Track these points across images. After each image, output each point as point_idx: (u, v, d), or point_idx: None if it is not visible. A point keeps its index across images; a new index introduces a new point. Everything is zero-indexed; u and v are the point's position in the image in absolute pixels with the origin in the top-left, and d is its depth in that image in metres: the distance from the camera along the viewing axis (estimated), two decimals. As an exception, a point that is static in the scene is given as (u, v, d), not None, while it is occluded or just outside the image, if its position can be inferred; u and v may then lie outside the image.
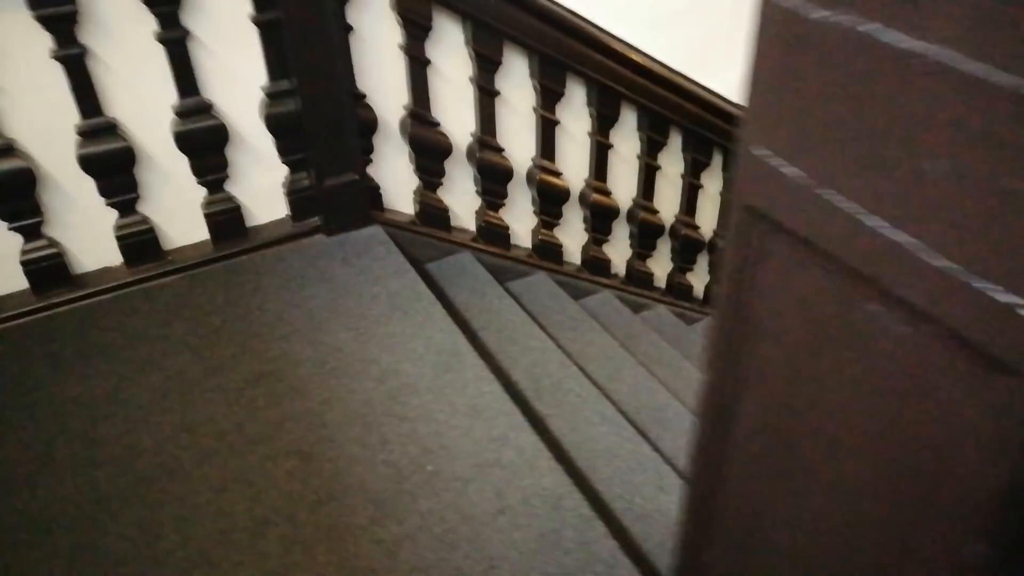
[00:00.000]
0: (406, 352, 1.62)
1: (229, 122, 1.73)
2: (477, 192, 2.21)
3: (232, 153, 1.78)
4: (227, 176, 1.79)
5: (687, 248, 2.77)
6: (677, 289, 2.83)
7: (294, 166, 1.86)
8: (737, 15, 2.53)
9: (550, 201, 2.34)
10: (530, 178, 2.29)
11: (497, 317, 1.96)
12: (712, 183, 2.74)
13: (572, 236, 2.48)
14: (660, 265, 2.77)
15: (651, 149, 2.47)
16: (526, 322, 1.96)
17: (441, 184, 2.13)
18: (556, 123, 2.23)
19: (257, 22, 1.66)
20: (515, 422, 1.45)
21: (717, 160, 2.67)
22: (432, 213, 2.13)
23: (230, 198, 1.81)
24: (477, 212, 2.24)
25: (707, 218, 2.82)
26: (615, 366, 2.04)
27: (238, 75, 1.71)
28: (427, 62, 1.94)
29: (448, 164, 2.11)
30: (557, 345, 1.89)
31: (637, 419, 1.82)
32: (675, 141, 2.55)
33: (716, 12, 2.49)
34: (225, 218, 1.81)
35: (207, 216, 1.79)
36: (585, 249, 2.53)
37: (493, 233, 2.26)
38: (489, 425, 1.45)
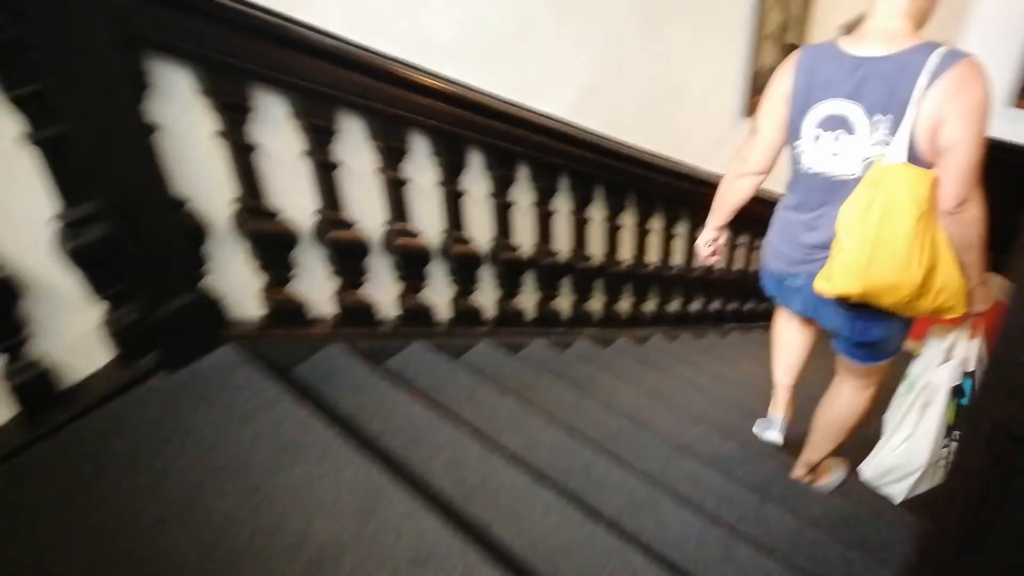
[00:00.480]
0: (314, 505, 1.36)
1: (15, 270, 1.35)
2: (333, 274, 1.96)
3: (29, 306, 1.39)
4: (27, 336, 1.40)
5: (551, 275, 2.70)
6: (548, 318, 2.76)
7: (115, 300, 1.50)
8: (561, 37, 2.47)
9: (412, 264, 2.14)
10: (387, 244, 2.07)
11: (392, 416, 1.74)
12: (564, 205, 2.68)
13: (440, 293, 2.30)
14: (529, 297, 2.68)
15: (501, 186, 2.35)
16: (424, 412, 1.75)
17: (291, 277, 1.85)
18: (404, 182, 2.03)
19: (37, 141, 1.30)
20: (470, 561, 1.26)
21: (565, 183, 2.61)
22: (286, 311, 1.85)
23: (34, 363, 1.42)
24: (336, 295, 1.99)
25: (562, 241, 2.76)
26: (526, 431, 1.90)
27: (13, 212, 1.33)
28: (252, 147, 1.66)
29: (295, 251, 1.84)
30: (465, 429, 1.71)
31: (570, 486, 1.70)
32: (524, 173, 2.44)
33: (541, 36, 2.40)
34: (35, 387, 1.41)
35: (12, 390, 1.39)
36: (456, 302, 2.36)
37: (358, 314, 2.02)
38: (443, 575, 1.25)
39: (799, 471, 2.12)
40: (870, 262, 1.51)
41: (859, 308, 1.65)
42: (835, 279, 1.57)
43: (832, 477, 2.18)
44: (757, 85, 3.48)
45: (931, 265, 1.51)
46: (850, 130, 1.56)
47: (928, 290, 1.54)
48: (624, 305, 3.20)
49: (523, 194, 2.48)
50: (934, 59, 1.43)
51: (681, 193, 3.10)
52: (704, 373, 3.09)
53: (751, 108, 3.58)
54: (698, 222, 3.35)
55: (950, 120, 1.43)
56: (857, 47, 1.55)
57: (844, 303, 1.67)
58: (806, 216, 1.72)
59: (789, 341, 2.23)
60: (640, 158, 2.80)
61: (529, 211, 2.54)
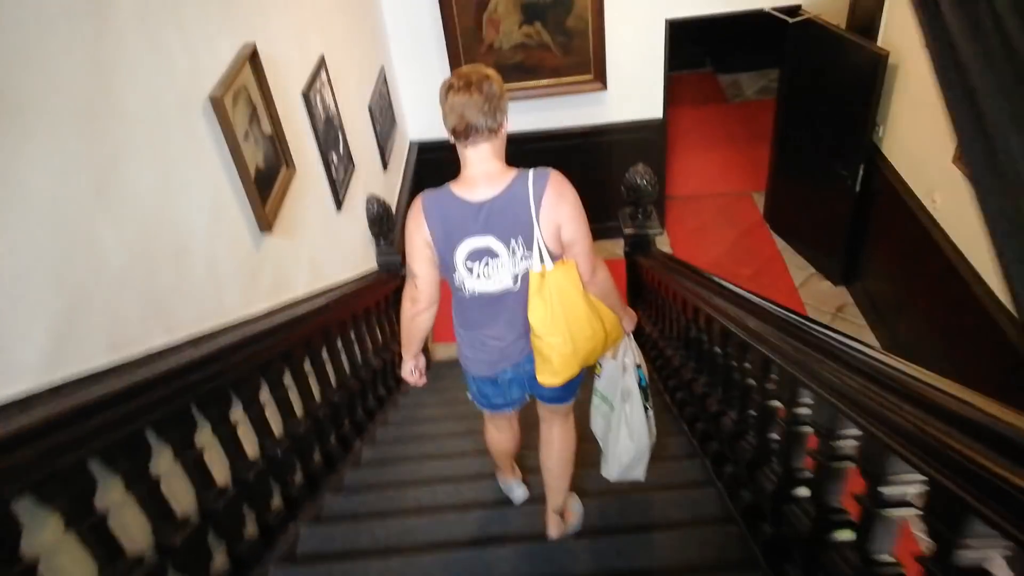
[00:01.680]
0: None
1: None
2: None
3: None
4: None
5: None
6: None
7: None
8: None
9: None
10: None
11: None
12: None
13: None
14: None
15: None
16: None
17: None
18: None
19: None
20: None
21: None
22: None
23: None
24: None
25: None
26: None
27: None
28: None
29: None
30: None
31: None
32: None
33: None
34: None
35: None
36: None
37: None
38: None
39: (554, 527, 2.39)
40: (575, 347, 1.93)
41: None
42: (560, 371, 1.96)
43: (576, 509, 2.48)
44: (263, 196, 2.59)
45: (601, 323, 1.98)
46: (494, 256, 1.86)
47: (607, 338, 2.04)
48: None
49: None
50: (531, 184, 1.80)
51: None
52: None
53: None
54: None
55: (565, 223, 1.83)
56: (471, 193, 1.84)
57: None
58: (484, 328, 2.03)
59: (505, 441, 2.49)
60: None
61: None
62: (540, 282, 1.86)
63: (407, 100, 5.46)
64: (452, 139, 1.87)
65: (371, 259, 4.17)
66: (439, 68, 5.27)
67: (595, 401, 2.33)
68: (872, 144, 4.61)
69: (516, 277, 1.89)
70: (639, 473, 2.31)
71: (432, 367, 3.46)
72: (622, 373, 2.22)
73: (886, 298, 4.84)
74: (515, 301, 1.93)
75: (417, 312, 2.05)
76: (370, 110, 4.48)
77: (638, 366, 2.24)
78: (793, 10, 5.00)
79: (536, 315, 1.89)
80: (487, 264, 1.88)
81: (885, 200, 4.64)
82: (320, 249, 3.38)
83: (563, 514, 2.40)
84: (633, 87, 5.33)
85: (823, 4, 4.91)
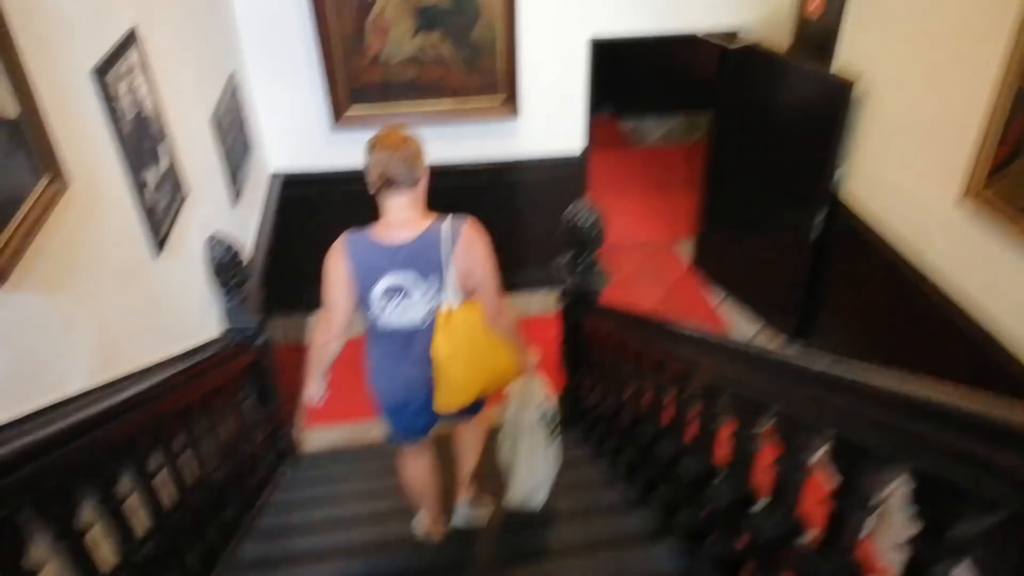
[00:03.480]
0: None
1: None
2: None
3: None
4: None
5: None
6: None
7: None
8: None
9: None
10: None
11: None
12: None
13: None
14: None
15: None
16: None
17: None
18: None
19: None
20: None
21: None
22: None
23: None
24: None
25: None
26: None
27: None
28: None
29: None
30: None
31: None
32: None
33: None
34: None
35: None
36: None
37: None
38: None
39: (463, 494, 2.73)
40: (472, 379, 2.19)
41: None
42: (455, 401, 2.21)
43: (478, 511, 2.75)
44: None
45: (501, 359, 2.24)
46: (408, 295, 2.04)
47: (506, 373, 2.30)
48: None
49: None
50: (446, 230, 2.01)
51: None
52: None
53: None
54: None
55: (475, 267, 2.06)
56: (389, 238, 2.01)
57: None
58: (396, 359, 2.19)
59: (422, 473, 2.60)
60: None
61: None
62: (447, 319, 2.07)
63: (269, 121, 4.29)
64: (373, 191, 2.01)
65: (212, 323, 2.94)
66: (309, 83, 4.17)
67: (500, 434, 2.52)
68: (830, 189, 3.96)
69: (427, 314, 2.08)
70: (539, 501, 2.46)
71: (302, 462, 3.39)
72: (525, 406, 2.41)
73: (850, 356, 4.13)
74: (425, 336, 2.11)
75: (329, 340, 2.19)
76: (215, 124, 3.29)
77: (543, 400, 2.43)
78: (728, 37, 4.36)
79: (439, 349, 2.08)
80: (401, 303, 2.05)
81: (847, 250, 3.98)
82: (120, 312, 2.15)
83: (470, 498, 2.72)
84: (550, 116, 4.46)
85: (764, 28, 4.29)
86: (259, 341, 2.96)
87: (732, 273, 5.03)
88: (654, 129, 7.59)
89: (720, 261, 5.14)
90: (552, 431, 2.42)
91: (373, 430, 4.05)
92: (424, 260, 1.99)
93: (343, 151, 4.40)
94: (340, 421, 4.12)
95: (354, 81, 4.16)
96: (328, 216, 4.55)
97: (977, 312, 3.04)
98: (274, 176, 4.43)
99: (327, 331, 2.17)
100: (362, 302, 2.08)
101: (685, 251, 5.65)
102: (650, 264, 5.57)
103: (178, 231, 2.65)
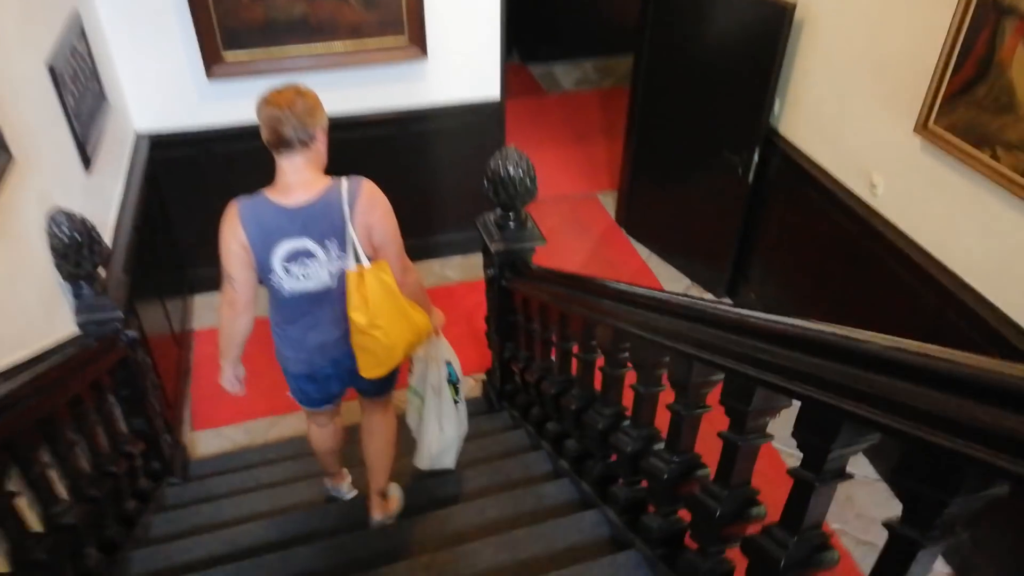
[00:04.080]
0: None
1: None
2: None
3: None
4: None
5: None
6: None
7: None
8: None
9: None
10: None
11: None
12: None
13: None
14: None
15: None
16: None
17: None
18: None
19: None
20: None
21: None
22: None
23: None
24: None
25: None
26: None
27: None
28: None
29: None
30: None
31: None
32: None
33: None
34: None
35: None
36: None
37: None
38: None
39: (377, 509, 2.53)
40: (395, 340, 2.07)
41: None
42: (383, 362, 2.11)
43: (397, 498, 2.64)
44: None
45: (415, 319, 2.14)
46: (311, 256, 1.97)
47: (422, 333, 2.21)
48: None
49: None
50: (345, 190, 1.94)
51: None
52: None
53: None
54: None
55: (377, 226, 2.00)
56: (287, 199, 1.93)
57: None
58: (303, 326, 2.11)
59: (327, 437, 2.53)
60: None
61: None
62: (359, 280, 1.98)
63: (129, 71, 3.62)
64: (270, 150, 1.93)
65: (61, 320, 2.38)
66: (177, 24, 3.52)
67: (408, 395, 2.53)
68: (767, 124, 3.71)
69: (333, 276, 2.01)
70: (449, 461, 2.57)
71: (191, 469, 3.08)
72: (432, 369, 2.43)
73: (787, 310, 3.97)
74: (335, 299, 2.04)
75: (236, 315, 2.07)
76: (52, 72, 2.66)
77: (448, 363, 2.46)
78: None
79: (357, 311, 1.99)
80: (305, 264, 1.98)
81: (784, 192, 3.76)
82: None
83: (385, 498, 2.56)
84: (463, 57, 3.98)
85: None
86: (127, 336, 2.43)
87: (660, 229, 4.76)
88: (565, 75, 7.20)
89: (646, 217, 4.86)
90: (457, 391, 2.48)
91: (275, 427, 3.57)
92: (325, 222, 1.94)
93: (221, 106, 3.80)
94: (238, 420, 3.61)
95: (230, 20, 3.54)
96: (210, 181, 3.95)
97: (936, 250, 2.86)
98: (140, 137, 3.77)
99: (232, 307, 2.05)
100: (262, 269, 1.98)
101: (608, 203, 5.35)
102: (573, 218, 5.24)
103: (4, 207, 2.07)
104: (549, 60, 7.32)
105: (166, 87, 3.69)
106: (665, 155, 4.47)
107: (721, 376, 1.47)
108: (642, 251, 4.90)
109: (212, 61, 3.60)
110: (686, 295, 1.68)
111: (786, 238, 3.84)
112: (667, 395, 1.80)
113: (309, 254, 1.95)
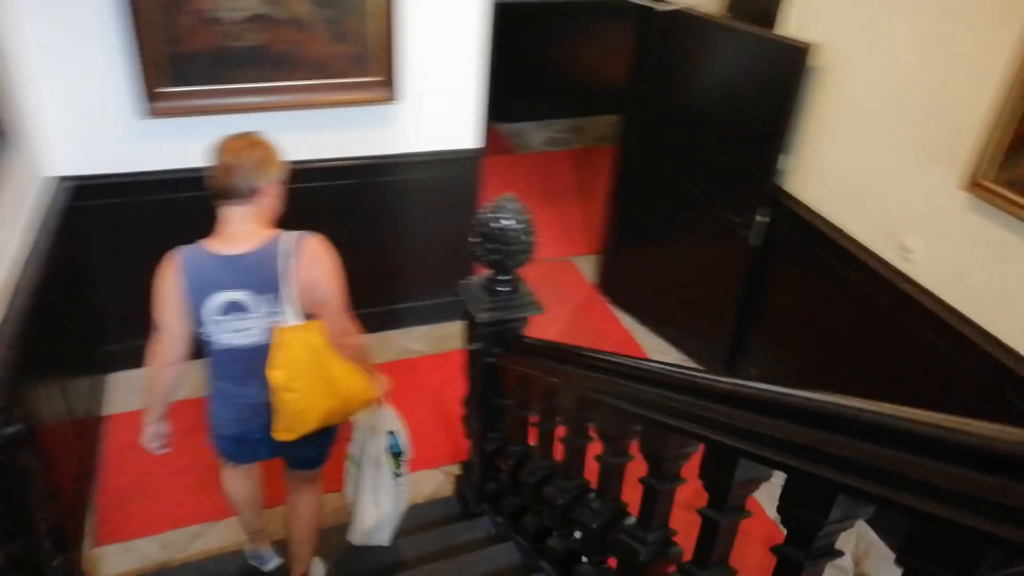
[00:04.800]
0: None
1: None
2: None
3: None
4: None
5: None
6: None
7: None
8: None
9: None
10: None
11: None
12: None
13: None
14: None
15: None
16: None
17: None
18: None
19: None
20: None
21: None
22: None
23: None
24: None
25: None
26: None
27: None
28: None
29: None
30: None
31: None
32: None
33: None
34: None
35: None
36: None
37: None
38: None
39: None
40: (311, 403, 1.95)
41: (312, 434, 2.03)
42: (293, 427, 1.98)
43: (319, 573, 2.54)
44: None
45: (346, 384, 2.03)
46: (245, 310, 1.91)
47: (352, 400, 2.08)
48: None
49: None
50: (283, 244, 1.90)
51: None
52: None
53: None
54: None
55: (320, 282, 1.95)
56: (227, 248, 1.90)
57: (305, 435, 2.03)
58: (237, 383, 2.04)
59: (247, 494, 2.42)
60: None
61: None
62: (280, 339, 1.91)
63: (45, 102, 3.07)
64: (212, 199, 1.91)
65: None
66: (109, 47, 3.02)
67: (346, 464, 2.40)
68: (774, 182, 3.38)
69: (265, 333, 1.93)
70: (384, 538, 2.42)
71: None
72: (371, 437, 2.28)
73: (794, 386, 3.56)
74: (266, 357, 1.93)
75: (164, 365, 2.03)
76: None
77: (391, 432, 2.33)
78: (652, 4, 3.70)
79: (276, 369, 1.90)
80: (238, 320, 1.92)
81: (792, 256, 3.41)
82: None
83: None
84: (440, 100, 3.58)
85: None
86: (5, 433, 1.83)
87: (647, 296, 4.35)
88: (536, 134, 6.91)
89: (631, 283, 4.45)
90: (399, 464, 2.38)
91: (200, 539, 2.92)
92: (261, 274, 1.90)
93: (160, 148, 3.28)
94: (155, 530, 2.95)
95: (175, 45, 3.06)
96: (138, 235, 3.39)
97: (987, 321, 2.50)
98: (60, 181, 3.20)
99: (160, 358, 2.03)
100: (197, 321, 1.95)
101: (584, 268, 4.94)
102: (550, 283, 4.79)
103: None
104: (519, 119, 7.04)
105: (91, 123, 3.16)
106: (656, 217, 4.11)
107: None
108: (625, 320, 4.48)
109: (152, 94, 3.10)
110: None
111: (796, 306, 3.46)
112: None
113: (244, 308, 1.91)
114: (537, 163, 6.47)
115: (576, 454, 2.05)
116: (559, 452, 2.16)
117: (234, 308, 1.90)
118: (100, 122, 3.17)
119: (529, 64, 6.81)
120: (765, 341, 3.70)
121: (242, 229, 1.89)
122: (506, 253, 2.20)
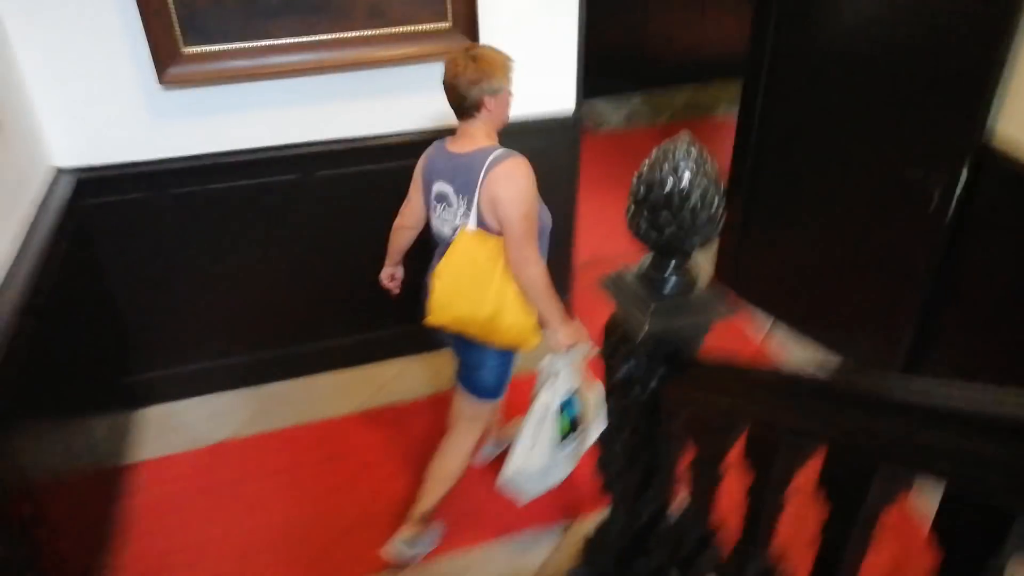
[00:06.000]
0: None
1: None
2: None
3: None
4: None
5: None
6: None
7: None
8: None
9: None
10: None
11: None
12: None
13: None
14: None
15: None
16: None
17: None
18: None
19: None
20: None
21: None
22: None
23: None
24: None
25: None
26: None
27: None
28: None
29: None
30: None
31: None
32: None
33: None
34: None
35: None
36: None
37: None
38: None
39: (398, 533, 2.41)
40: (450, 301, 2.11)
41: (467, 341, 2.19)
42: (436, 311, 2.15)
43: (423, 540, 2.45)
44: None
45: (497, 307, 2.07)
46: (449, 204, 2.10)
47: (498, 326, 2.10)
48: None
49: None
50: (489, 157, 2.00)
51: None
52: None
53: None
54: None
55: (500, 202, 1.98)
56: (453, 145, 2.10)
57: (458, 335, 2.19)
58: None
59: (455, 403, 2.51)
60: None
61: None
62: (456, 240, 2.08)
63: (42, 84, 2.43)
64: None
65: None
66: (121, 22, 2.37)
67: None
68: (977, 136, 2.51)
69: (454, 229, 2.10)
70: (523, 494, 2.31)
71: None
72: (548, 382, 2.20)
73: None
74: None
75: (399, 227, 2.34)
76: None
77: (574, 392, 2.20)
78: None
79: (439, 265, 2.12)
80: (443, 211, 2.12)
81: (1004, 227, 2.54)
82: None
83: (414, 526, 2.41)
84: (530, 51, 2.81)
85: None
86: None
87: (787, 289, 3.51)
88: (613, 112, 6.12)
89: (762, 274, 3.62)
90: (569, 431, 2.21)
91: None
92: (465, 177, 2.03)
93: (178, 128, 2.61)
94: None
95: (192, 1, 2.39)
96: (162, 237, 2.74)
97: None
98: (60, 173, 2.56)
99: (400, 216, 2.32)
100: (426, 202, 2.18)
101: (700, 259, 4.13)
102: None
103: None
104: (591, 96, 6.26)
105: (99, 103, 2.51)
106: (798, 190, 3.27)
107: None
108: (760, 321, 3.65)
109: (165, 59, 2.42)
110: None
111: (1010, 292, 2.59)
112: None
113: (449, 201, 2.08)
114: (618, 142, 5.68)
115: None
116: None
117: (442, 199, 2.11)
118: (106, 98, 2.51)
119: (600, 38, 6.04)
120: (963, 335, 2.83)
121: (468, 133, 2.06)
122: (685, 228, 1.43)
